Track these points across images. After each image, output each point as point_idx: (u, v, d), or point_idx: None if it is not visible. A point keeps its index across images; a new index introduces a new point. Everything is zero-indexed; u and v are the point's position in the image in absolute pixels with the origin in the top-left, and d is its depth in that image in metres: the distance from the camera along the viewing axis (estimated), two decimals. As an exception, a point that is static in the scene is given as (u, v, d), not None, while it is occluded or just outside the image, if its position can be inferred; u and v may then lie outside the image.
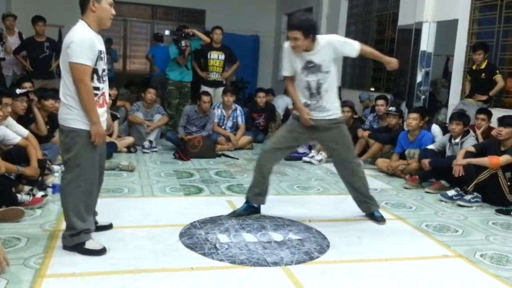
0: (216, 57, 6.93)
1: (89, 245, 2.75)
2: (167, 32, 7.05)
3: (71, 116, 2.66)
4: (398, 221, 3.70)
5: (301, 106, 3.40)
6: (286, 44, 3.36)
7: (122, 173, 4.76)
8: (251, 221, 3.47)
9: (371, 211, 3.66)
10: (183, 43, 6.58)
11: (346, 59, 9.74)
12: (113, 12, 2.76)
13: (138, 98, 7.00)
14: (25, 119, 4.44)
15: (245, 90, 10.57)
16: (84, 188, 2.73)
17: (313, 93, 3.38)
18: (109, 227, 3.13)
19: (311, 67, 3.32)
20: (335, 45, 3.34)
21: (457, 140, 4.75)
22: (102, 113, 2.77)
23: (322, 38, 3.33)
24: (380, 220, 3.61)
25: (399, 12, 7.47)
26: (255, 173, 3.57)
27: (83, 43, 2.59)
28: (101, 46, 2.73)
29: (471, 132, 4.82)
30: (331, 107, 3.43)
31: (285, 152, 3.62)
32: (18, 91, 4.42)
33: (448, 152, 4.82)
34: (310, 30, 3.22)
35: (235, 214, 3.54)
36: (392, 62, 3.49)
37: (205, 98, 6.17)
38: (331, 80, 3.39)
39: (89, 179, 2.75)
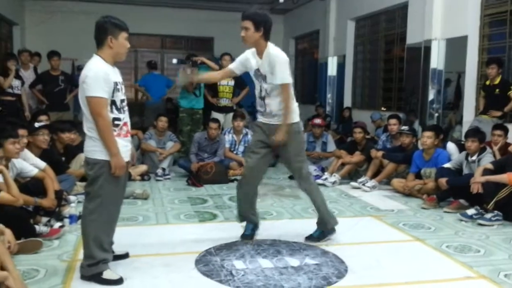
0: (225, 83, 7.00)
1: (106, 275, 2.74)
2: (174, 61, 7.17)
3: (96, 148, 2.71)
4: (417, 243, 3.62)
5: None
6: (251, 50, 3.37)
7: (137, 201, 4.77)
8: (266, 246, 3.43)
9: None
10: (189, 71, 6.66)
11: (355, 79, 9.81)
12: (128, 45, 2.82)
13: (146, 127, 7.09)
14: (44, 154, 4.41)
15: (255, 114, 10.61)
16: (105, 218, 2.76)
17: (262, 98, 3.41)
18: (125, 256, 3.12)
19: (258, 75, 3.38)
20: (272, 61, 3.26)
21: (474, 157, 4.68)
22: (127, 143, 2.82)
23: (273, 48, 3.31)
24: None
25: (407, 31, 7.51)
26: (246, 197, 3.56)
27: (97, 77, 2.64)
28: (117, 78, 2.77)
29: (488, 148, 4.75)
30: (277, 114, 3.39)
31: (263, 160, 3.49)
32: (36, 124, 4.49)
33: (465, 170, 4.75)
34: (261, 24, 3.22)
35: (248, 238, 3.54)
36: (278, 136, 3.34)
37: (212, 125, 6.20)
38: (275, 93, 3.34)
39: (110, 209, 2.78)
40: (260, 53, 3.33)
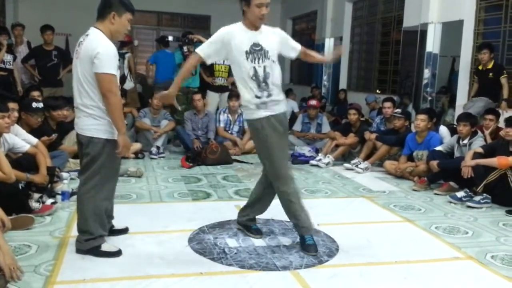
0: (221, 62, 6.95)
1: (105, 247, 2.78)
2: (171, 38, 7.03)
3: (98, 127, 2.66)
4: (407, 223, 3.68)
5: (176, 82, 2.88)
6: (234, 26, 2.89)
7: (130, 179, 4.78)
8: (259, 225, 3.46)
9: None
10: (185, 49, 6.61)
11: (351, 62, 9.77)
12: (129, 27, 2.77)
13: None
14: (36, 130, 4.40)
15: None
16: (104, 195, 2.77)
17: (260, 83, 2.87)
18: (125, 230, 3.15)
19: (257, 51, 2.86)
20: (281, 36, 2.98)
21: (465, 141, 4.72)
22: None
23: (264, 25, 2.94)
24: None
25: (404, 14, 7.47)
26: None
27: (109, 53, 2.60)
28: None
29: (479, 133, 4.80)
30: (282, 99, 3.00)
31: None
32: (34, 104, 4.43)
33: (457, 153, 4.80)
34: None
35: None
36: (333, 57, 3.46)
37: (196, 97, 6.30)
38: (278, 72, 2.94)
39: (108, 186, 2.80)
40: (256, 28, 2.88)
